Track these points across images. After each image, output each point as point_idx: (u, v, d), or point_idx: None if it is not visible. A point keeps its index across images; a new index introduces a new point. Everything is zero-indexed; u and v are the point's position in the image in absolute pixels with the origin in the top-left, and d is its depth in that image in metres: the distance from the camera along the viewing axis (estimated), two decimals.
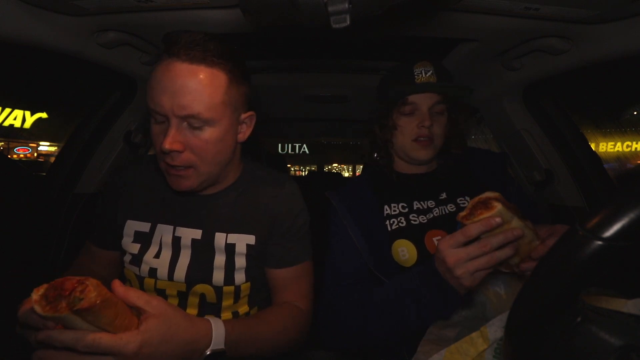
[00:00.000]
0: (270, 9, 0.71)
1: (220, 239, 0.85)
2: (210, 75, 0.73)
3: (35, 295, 0.51)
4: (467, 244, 0.70)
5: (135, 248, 0.86)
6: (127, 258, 0.87)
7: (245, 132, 0.86)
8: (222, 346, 0.66)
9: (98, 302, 0.51)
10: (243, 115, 0.84)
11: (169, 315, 0.61)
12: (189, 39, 0.72)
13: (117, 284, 0.58)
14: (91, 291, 0.51)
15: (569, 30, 0.94)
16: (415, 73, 1.01)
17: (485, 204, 0.67)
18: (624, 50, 0.92)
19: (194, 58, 0.71)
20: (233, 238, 0.86)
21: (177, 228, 0.86)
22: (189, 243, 0.85)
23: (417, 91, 1.00)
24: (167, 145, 0.71)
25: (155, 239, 0.86)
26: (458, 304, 0.76)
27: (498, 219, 0.66)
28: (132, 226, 0.87)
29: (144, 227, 0.87)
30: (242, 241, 0.86)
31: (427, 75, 0.99)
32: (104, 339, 0.53)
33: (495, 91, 1.42)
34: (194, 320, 0.66)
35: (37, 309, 0.51)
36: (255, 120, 0.88)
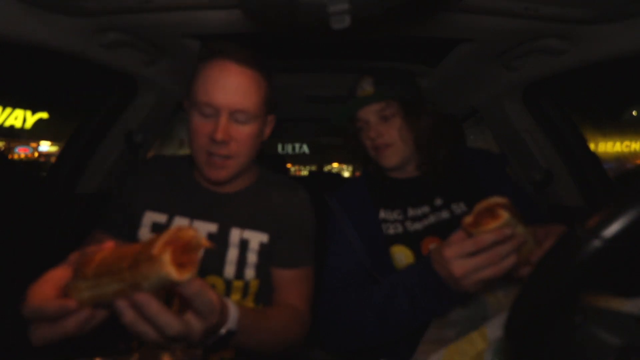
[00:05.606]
0: (271, 9, 0.71)
1: (235, 234, 0.90)
2: (257, 77, 0.84)
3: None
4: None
5: None
6: None
7: (266, 132, 0.95)
8: (234, 327, 0.63)
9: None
10: (269, 117, 0.93)
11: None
12: (236, 45, 0.83)
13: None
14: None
15: (569, 30, 0.94)
16: (358, 91, 1.02)
17: (492, 212, 0.65)
18: (623, 50, 0.92)
19: (245, 61, 0.82)
20: (248, 234, 0.91)
21: (194, 221, 0.90)
22: (205, 236, 0.89)
23: (353, 108, 1.01)
24: (220, 134, 0.79)
25: None
26: (452, 306, 0.76)
27: (510, 230, 0.64)
28: (150, 217, 0.91)
29: (162, 218, 0.91)
30: (256, 238, 0.91)
31: (365, 89, 1.01)
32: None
33: (495, 91, 1.42)
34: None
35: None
36: (274, 123, 0.97)
